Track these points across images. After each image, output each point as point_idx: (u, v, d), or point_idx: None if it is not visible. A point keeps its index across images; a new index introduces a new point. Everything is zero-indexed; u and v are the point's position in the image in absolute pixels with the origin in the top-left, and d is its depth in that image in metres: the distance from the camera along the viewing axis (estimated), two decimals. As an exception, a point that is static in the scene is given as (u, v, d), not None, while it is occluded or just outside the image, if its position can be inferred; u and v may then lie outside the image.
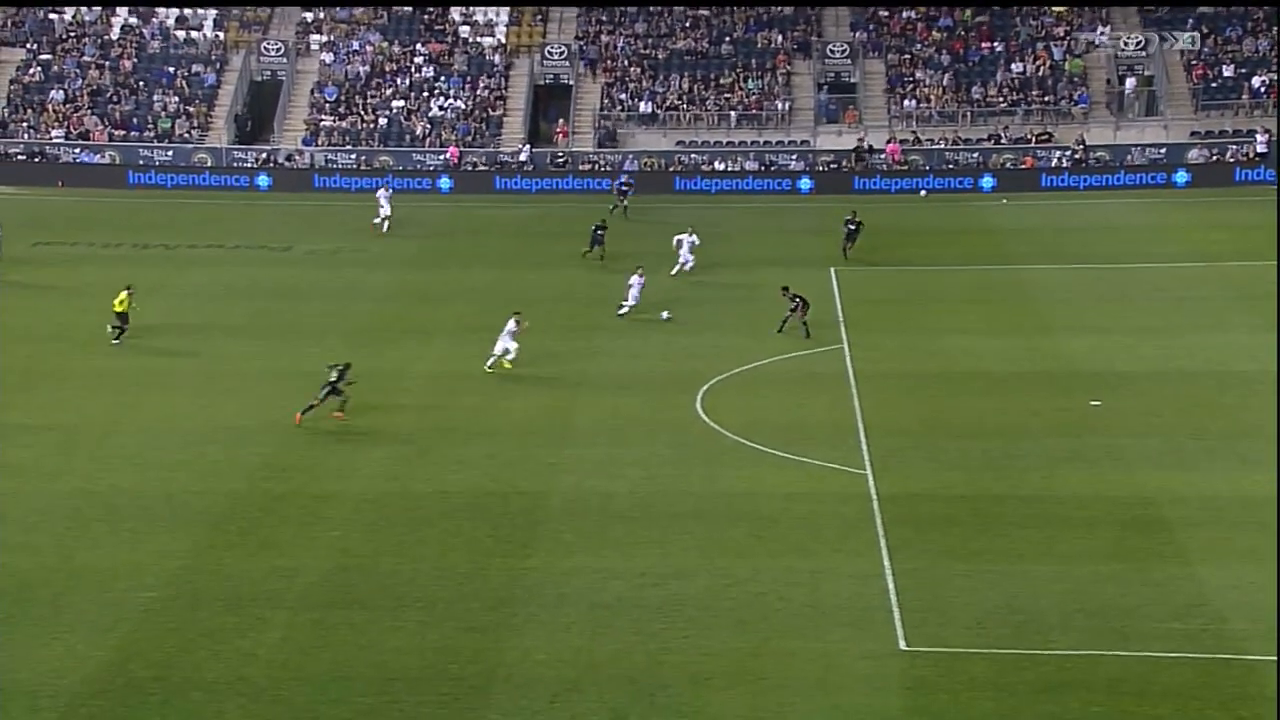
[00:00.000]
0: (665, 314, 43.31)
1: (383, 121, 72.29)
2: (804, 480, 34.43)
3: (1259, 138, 66.95)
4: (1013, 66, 72.53)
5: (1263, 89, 69.59)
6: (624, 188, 62.43)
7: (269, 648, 27.14)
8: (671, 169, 69.00)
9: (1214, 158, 67.41)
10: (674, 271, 50.87)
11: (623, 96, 72.90)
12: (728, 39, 75.05)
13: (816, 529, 31.86)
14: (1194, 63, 71.16)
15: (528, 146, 70.37)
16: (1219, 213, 61.70)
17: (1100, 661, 26.24)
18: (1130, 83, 71.08)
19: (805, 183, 67.77)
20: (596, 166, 69.63)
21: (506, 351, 41.87)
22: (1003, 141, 69.78)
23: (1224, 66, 70.88)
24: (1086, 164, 68.11)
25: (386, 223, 59.01)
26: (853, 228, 52.80)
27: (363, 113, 72.76)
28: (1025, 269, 53.67)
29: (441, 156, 69.95)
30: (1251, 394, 39.40)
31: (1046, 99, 71.13)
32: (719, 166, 69.23)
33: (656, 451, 36.31)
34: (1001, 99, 71.36)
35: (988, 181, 66.91)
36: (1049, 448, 36.06)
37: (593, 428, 37.93)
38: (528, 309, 49.67)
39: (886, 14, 75.04)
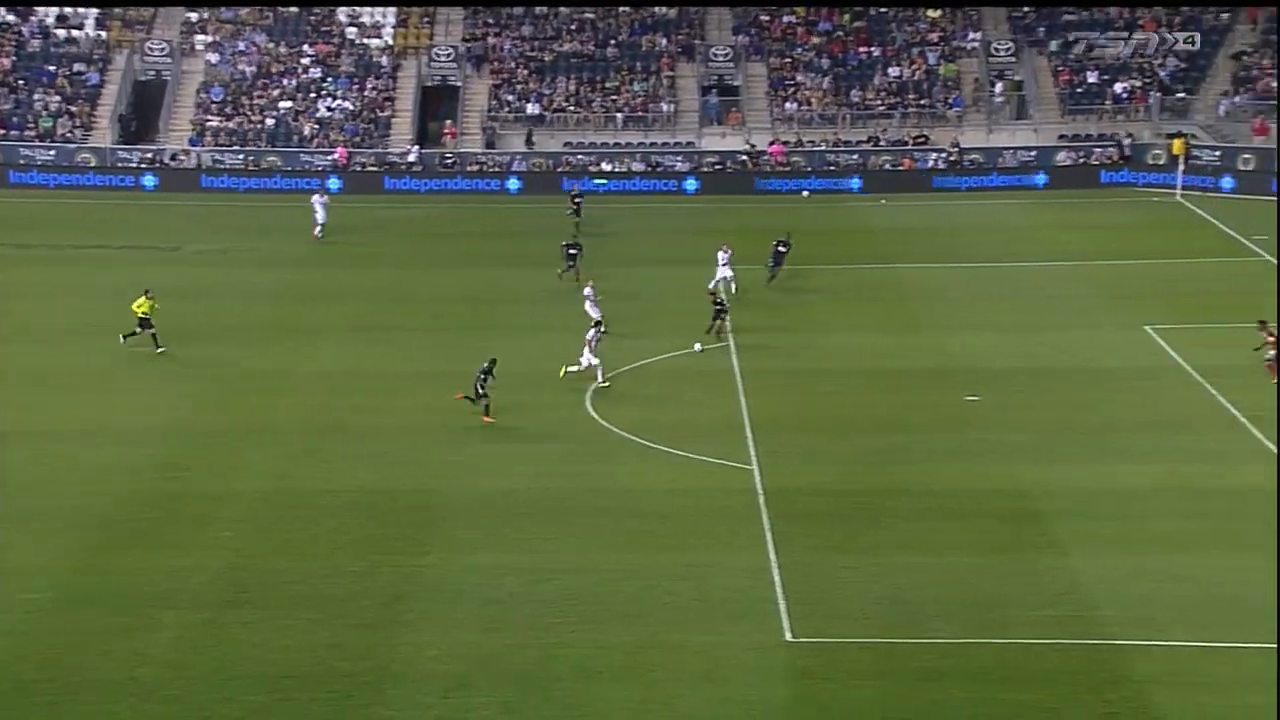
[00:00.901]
0: (698, 346, 41.73)
1: (270, 122, 71.47)
2: (692, 476, 34.61)
3: (1123, 141, 68.50)
4: (890, 70, 73.46)
5: (1125, 94, 71.22)
6: (577, 198, 59.48)
7: (161, 647, 26.80)
8: (559, 170, 69.02)
9: (1080, 160, 68.83)
10: (711, 285, 48.16)
11: (510, 98, 72.78)
12: (613, 42, 75.21)
13: (704, 524, 32.06)
14: (1060, 69, 72.60)
15: (416, 147, 69.95)
16: (1085, 214, 63.01)
17: (978, 649, 26.72)
18: (999, 87, 72.28)
19: (691, 183, 68.11)
20: (485, 168, 69.43)
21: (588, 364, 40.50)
22: (881, 143, 70.67)
23: (1089, 72, 72.41)
24: (961, 165, 69.18)
25: (320, 229, 57.54)
26: (783, 250, 50.25)
27: (249, 113, 71.88)
28: (904, 268, 54.39)
29: (330, 157, 69.32)
30: (1118, 390, 40.30)
31: (923, 102, 72.16)
32: (606, 167, 69.36)
33: (547, 449, 36.31)
34: (879, 102, 72.27)
35: (854, 182, 67.65)
36: (928, 443, 36.57)
37: (484, 426, 37.82)
38: (420, 308, 49.54)
39: (767, 18, 75.63)
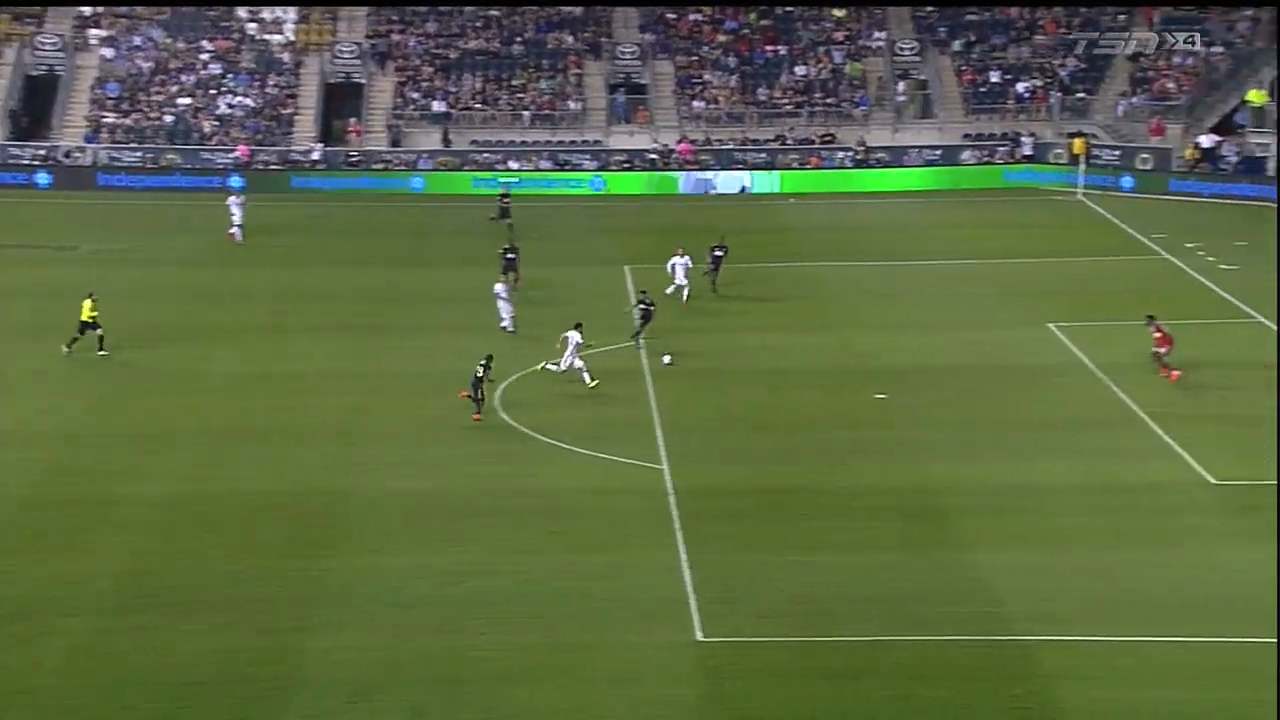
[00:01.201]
0: (667, 359, 40.94)
1: (168, 119, 70.40)
2: (602, 476, 34.57)
3: (1024, 140, 69.40)
4: (796, 69, 73.86)
5: (1027, 94, 72.17)
6: (506, 199, 58.35)
7: (57, 655, 26.29)
8: (466, 168, 68.66)
9: (984, 159, 69.66)
10: (670, 290, 47.64)
11: (415, 95, 72.29)
12: (519, 39, 74.95)
13: (615, 524, 32.04)
14: (963, 68, 73.40)
15: (320, 145, 69.28)
16: (989, 212, 63.78)
17: (887, 647, 26.92)
18: (900, 86, 72.89)
19: (599, 182, 68.07)
20: (390, 166, 68.92)
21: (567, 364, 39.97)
22: (789, 142, 71.05)
23: (991, 72, 73.27)
24: (868, 164, 69.74)
25: (239, 231, 56.58)
26: (720, 254, 49.25)
27: (147, 110, 70.74)
28: (813, 266, 54.73)
29: (231, 155, 68.43)
30: (1024, 387, 40.79)
31: (829, 101, 72.64)
32: (513, 166, 69.12)
33: (456, 450, 36.11)
34: (787, 101, 72.65)
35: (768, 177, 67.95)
36: (837, 440, 36.82)
37: (392, 427, 37.57)
38: (329, 308, 49.05)
39: (674, 16, 75.76)
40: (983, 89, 72.83)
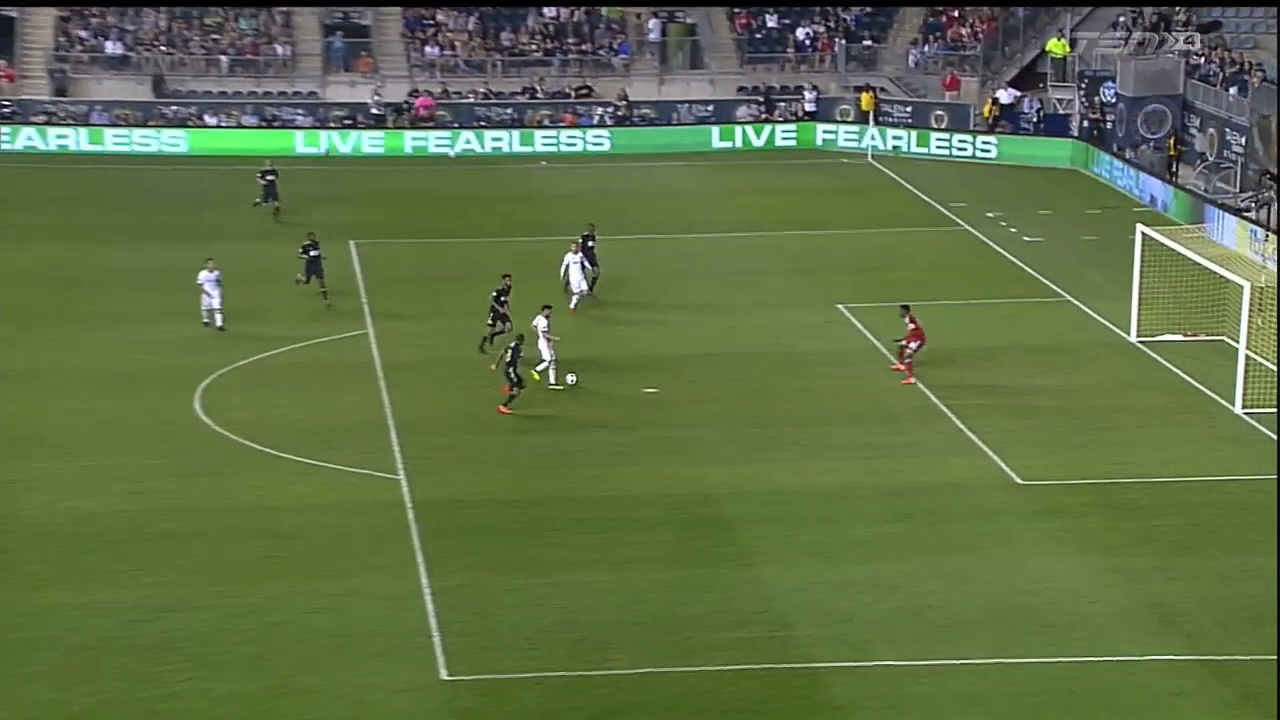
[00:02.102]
0: (571, 378, 39.48)
1: None
2: (327, 489, 34.19)
3: (807, 94, 70.60)
4: (545, 11, 73.78)
5: (808, 41, 73.31)
6: (270, 175, 55.51)
7: None
8: (151, 123, 66.84)
9: (762, 116, 70.69)
10: (573, 305, 45.83)
11: (83, 34, 69.91)
12: (214, -32, 73.29)
13: (344, 545, 31.67)
14: (736, 12, 74.01)
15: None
16: (768, 177, 64.81)
17: (661, 679, 27.07)
18: (653, 24, 73.04)
19: (315, 140, 66.96)
20: (54, 118, 66.60)
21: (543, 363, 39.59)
22: (539, 95, 71.01)
23: (767, 16, 74.02)
24: (631, 122, 70.18)
25: None
26: (592, 246, 47.51)
27: None
28: (568, 240, 54.77)
29: None
30: (812, 377, 41.53)
31: (584, 48, 72.80)
32: (210, 121, 67.56)
33: (147, 462, 35.27)
34: (535, 47, 72.55)
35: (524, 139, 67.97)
36: (602, 442, 36.99)
37: (66, 436, 36.53)
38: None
39: (402, -52, 75.04)
40: (758, 35, 73.79)
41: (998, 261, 52.56)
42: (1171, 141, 62.59)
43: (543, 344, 39.99)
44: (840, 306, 46.77)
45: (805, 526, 32.86)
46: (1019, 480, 35.19)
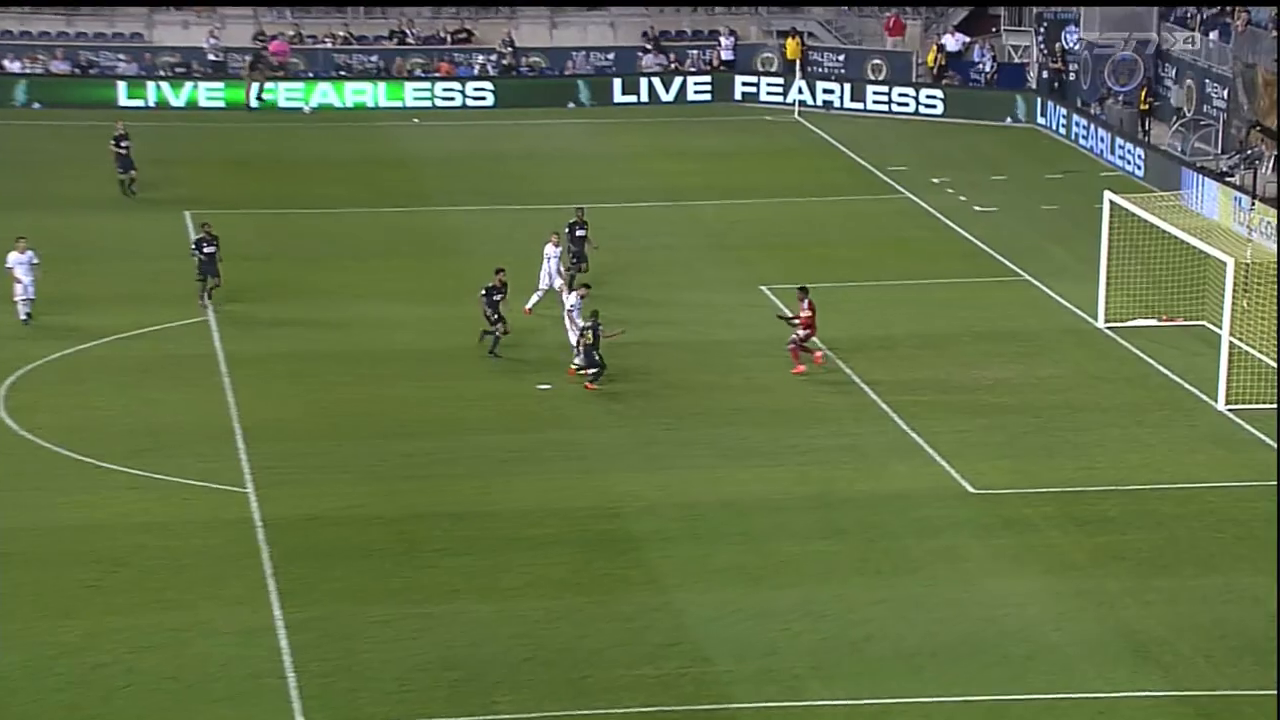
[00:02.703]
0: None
1: None
2: (161, 504, 33.99)
3: (723, 41, 70.78)
4: (418, -59, 73.48)
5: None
6: (123, 147, 54.25)
7: None
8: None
9: (671, 65, 70.80)
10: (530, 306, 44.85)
11: None
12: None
13: (180, 571, 31.44)
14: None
15: None
16: (679, 137, 64.98)
17: (559, 726, 27.15)
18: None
19: (141, 92, 66.27)
20: None
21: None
22: (409, 41, 70.73)
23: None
24: (518, 72, 70.04)
25: None
26: (583, 234, 46.20)
27: None
28: (447, 212, 54.68)
29: None
30: (732, 370, 41.68)
31: (461, -15, 72.57)
32: (10, 66, 66.74)
33: (-56, 472, 34.92)
34: (406, -16, 72.26)
35: (395, 92, 67.63)
36: (487, 447, 36.96)
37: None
38: None
39: None
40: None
41: (945, 235, 52.96)
42: (1143, 95, 63.34)
43: (570, 324, 41.01)
44: (764, 288, 46.97)
45: (724, 544, 32.92)
46: (971, 489, 35.45)
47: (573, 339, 41.13)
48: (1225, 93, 59.97)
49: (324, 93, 67.72)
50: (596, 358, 40.02)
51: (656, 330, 44.02)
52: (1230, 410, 39.34)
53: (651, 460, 36.59)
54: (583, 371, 40.16)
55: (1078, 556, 32.56)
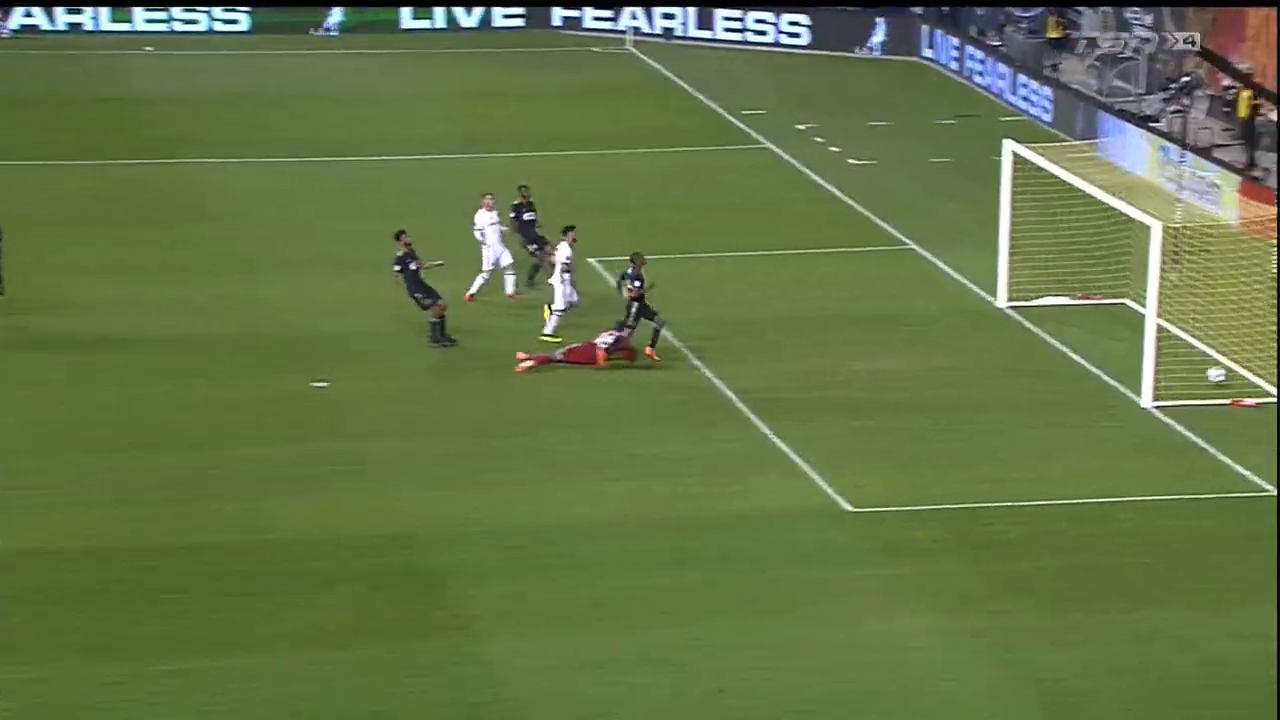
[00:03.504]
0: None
1: None
2: None
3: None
4: None
5: None
6: None
7: None
8: None
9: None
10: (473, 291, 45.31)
11: None
12: None
13: None
14: None
15: None
16: (488, 74, 64.94)
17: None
18: None
19: None
20: None
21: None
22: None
23: None
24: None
25: None
26: (531, 218, 46.32)
27: None
28: (197, 165, 54.33)
29: None
30: (549, 365, 41.71)
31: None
32: None
33: None
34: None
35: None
36: (253, 460, 36.94)
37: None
38: None
39: None
40: None
41: (812, 194, 53.37)
42: (1052, 21, 64.00)
43: (558, 281, 42.24)
44: (591, 260, 47.07)
45: (550, 580, 33.00)
46: (849, 507, 35.78)
47: (560, 301, 41.84)
48: (1150, 19, 60.77)
49: (27, 13, 66.94)
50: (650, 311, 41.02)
51: (463, 313, 43.94)
52: (1157, 408, 39.98)
53: (456, 475, 36.65)
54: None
55: (976, 588, 32.89)
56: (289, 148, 55.39)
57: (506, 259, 45.04)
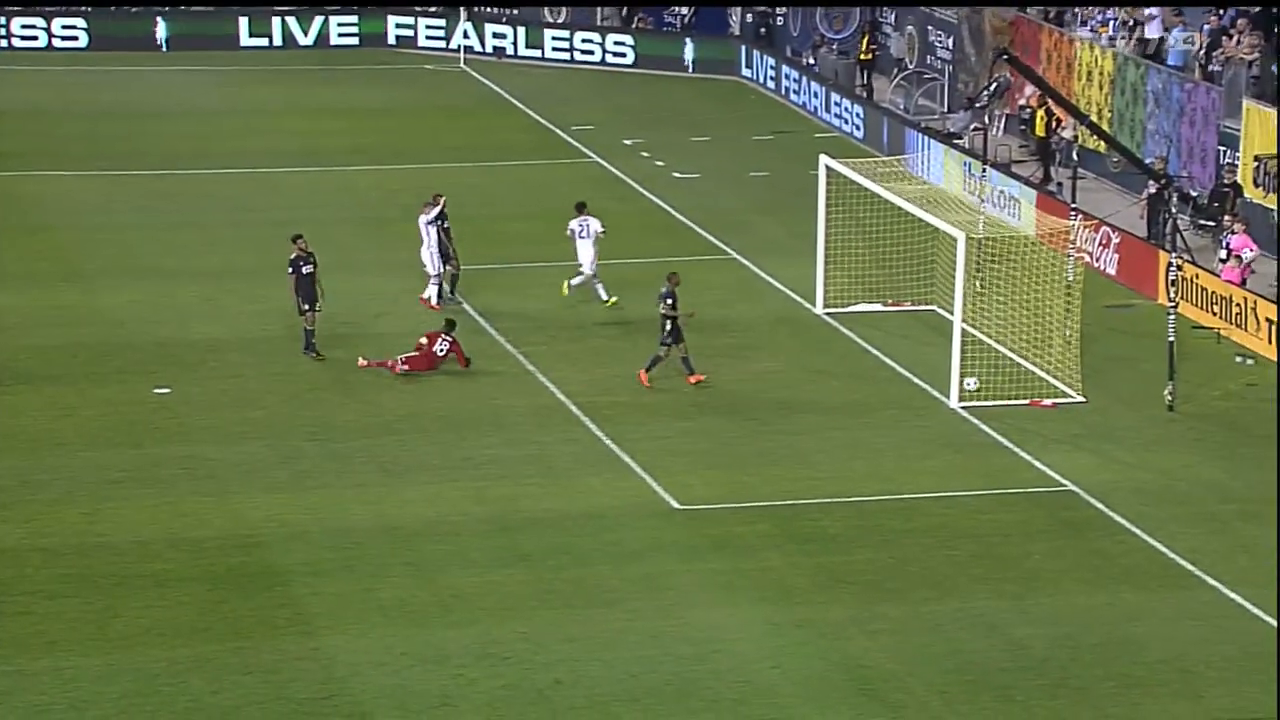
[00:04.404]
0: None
1: None
2: None
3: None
4: None
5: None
6: None
7: None
8: None
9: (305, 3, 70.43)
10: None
11: None
12: None
13: None
14: None
15: None
16: (324, 91, 64.67)
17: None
18: None
19: None
20: None
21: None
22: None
23: None
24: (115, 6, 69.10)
25: None
26: (446, 224, 45.07)
27: None
28: (26, 177, 53.68)
29: None
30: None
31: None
32: None
33: None
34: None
35: None
36: (95, 465, 36.56)
37: None
38: None
39: None
40: None
41: (640, 206, 53.50)
42: (864, 43, 64.47)
43: (586, 249, 44.28)
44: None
45: (386, 577, 32.80)
46: (675, 504, 35.82)
47: (589, 267, 43.09)
48: (950, 41, 61.39)
49: None
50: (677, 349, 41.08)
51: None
52: (964, 408, 40.34)
53: (296, 478, 36.40)
54: (653, 366, 40.92)
55: (797, 581, 33.04)
56: (121, 161, 54.90)
57: (440, 269, 44.72)
